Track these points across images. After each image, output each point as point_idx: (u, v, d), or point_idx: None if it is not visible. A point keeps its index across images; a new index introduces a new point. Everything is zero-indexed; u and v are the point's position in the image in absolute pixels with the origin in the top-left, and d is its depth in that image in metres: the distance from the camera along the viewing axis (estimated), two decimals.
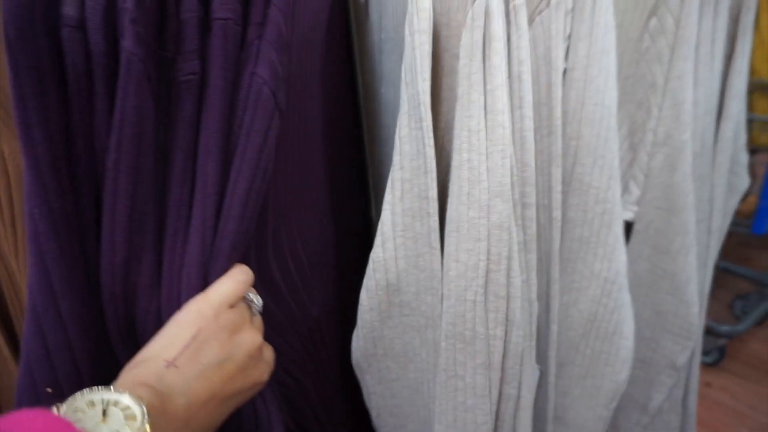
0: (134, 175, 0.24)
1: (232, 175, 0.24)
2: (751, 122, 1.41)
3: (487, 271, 0.33)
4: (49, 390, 0.25)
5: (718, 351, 1.31)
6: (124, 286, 0.25)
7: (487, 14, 0.34)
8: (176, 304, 0.26)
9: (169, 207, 0.25)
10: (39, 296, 0.24)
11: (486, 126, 0.34)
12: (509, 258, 0.33)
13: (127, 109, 0.23)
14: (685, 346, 0.65)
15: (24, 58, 0.21)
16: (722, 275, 1.52)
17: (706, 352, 1.33)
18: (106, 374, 0.25)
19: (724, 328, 1.29)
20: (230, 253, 0.26)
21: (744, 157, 0.75)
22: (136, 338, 0.26)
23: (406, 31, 0.35)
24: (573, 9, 0.46)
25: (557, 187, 0.42)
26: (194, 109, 0.24)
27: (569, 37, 0.48)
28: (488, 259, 0.33)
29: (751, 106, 1.53)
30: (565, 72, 0.47)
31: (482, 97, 0.34)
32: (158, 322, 0.26)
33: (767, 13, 1.54)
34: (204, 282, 0.27)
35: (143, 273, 0.25)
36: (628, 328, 0.45)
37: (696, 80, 0.61)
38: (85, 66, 0.23)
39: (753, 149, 1.48)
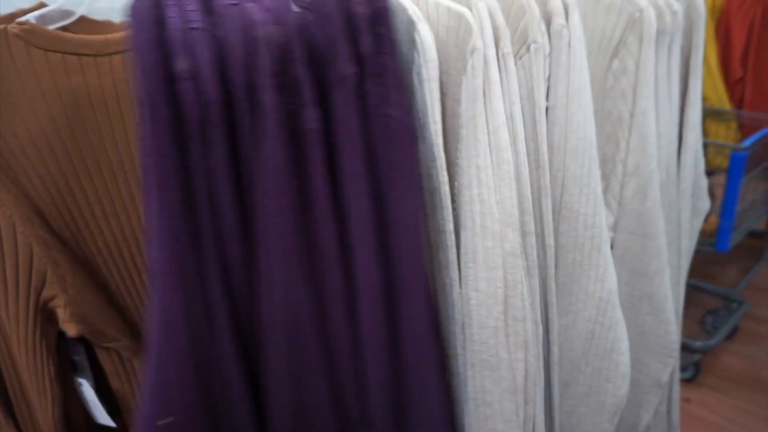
0: (280, 216, 0.26)
1: (390, 206, 0.27)
2: (705, 146, 1.55)
3: (506, 297, 0.37)
4: (165, 421, 0.26)
5: (694, 366, 1.39)
6: (285, 319, 0.27)
7: (485, 63, 0.40)
8: (349, 342, 0.28)
9: (319, 244, 0.28)
10: (158, 333, 0.26)
11: (492, 162, 0.39)
12: (522, 283, 0.38)
13: (270, 157, 0.26)
14: (668, 363, 0.71)
15: (157, 110, 0.24)
16: (691, 292, 1.63)
17: (682, 368, 1.41)
18: (217, 410, 0.26)
19: (698, 344, 1.38)
20: (407, 283, 0.28)
21: (704, 182, 0.84)
22: (293, 363, 0.28)
23: (415, 80, 0.40)
24: (550, 53, 0.54)
25: (548, 216, 0.48)
26: (324, 154, 0.27)
27: (548, 78, 0.55)
28: (505, 285, 0.38)
29: (704, 132, 1.68)
30: (547, 110, 0.53)
31: (486, 137, 0.39)
32: (324, 349, 0.27)
33: (712, 47, 1.73)
34: (387, 313, 0.29)
35: (302, 306, 0.27)
36: (624, 343, 0.50)
37: (658, 115, 0.69)
38: (200, 115, 0.25)
39: (709, 171, 1.63)
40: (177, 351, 0.26)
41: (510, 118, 0.44)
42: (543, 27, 0.52)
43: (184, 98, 0.25)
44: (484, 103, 0.40)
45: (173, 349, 0.26)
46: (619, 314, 0.51)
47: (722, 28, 1.73)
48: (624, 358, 0.51)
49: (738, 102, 1.74)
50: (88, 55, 0.60)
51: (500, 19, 0.43)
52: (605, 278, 0.48)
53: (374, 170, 0.27)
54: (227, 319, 0.28)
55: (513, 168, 0.41)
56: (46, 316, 0.61)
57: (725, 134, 1.70)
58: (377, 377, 0.29)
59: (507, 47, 0.43)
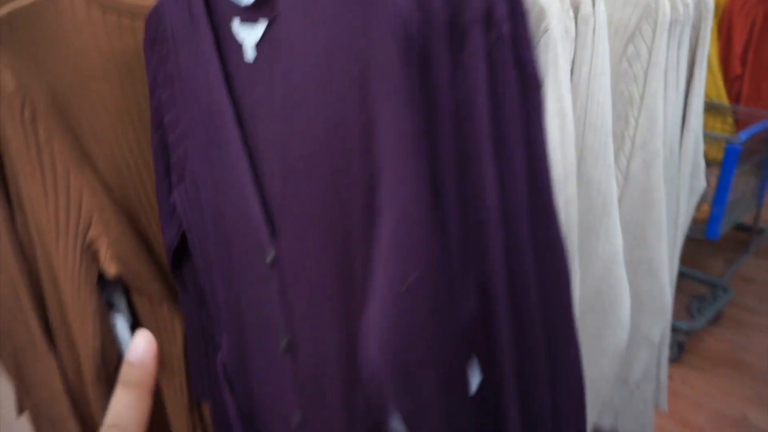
0: (486, 128, 0.33)
1: (532, 137, 0.33)
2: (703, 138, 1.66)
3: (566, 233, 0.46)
4: (410, 281, 0.33)
5: (678, 346, 1.52)
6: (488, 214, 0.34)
7: (554, 40, 0.49)
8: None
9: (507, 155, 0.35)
10: (404, 204, 0.31)
11: (557, 125, 0.47)
12: (576, 224, 0.47)
13: (479, 81, 0.32)
14: (659, 322, 0.81)
15: (385, 31, 0.29)
16: (680, 279, 1.75)
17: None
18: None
19: (683, 325, 1.51)
20: (546, 196, 0.35)
21: (701, 162, 0.94)
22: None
23: None
24: (576, 37, 0.62)
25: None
26: (489, 99, 0.34)
27: (573, 60, 0.63)
28: (566, 223, 0.46)
29: None
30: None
31: (552, 104, 0.48)
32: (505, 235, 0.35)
33: (714, 44, 1.83)
34: (532, 224, 0.35)
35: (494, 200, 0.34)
36: (626, 297, 0.60)
37: (665, 98, 0.78)
38: (416, 43, 0.30)
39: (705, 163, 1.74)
40: (419, 220, 0.32)
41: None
42: (571, 13, 0.60)
43: (402, 25, 0.29)
44: (552, 74, 0.49)
45: (414, 219, 0.32)
46: (623, 272, 0.61)
47: (724, 26, 1.83)
48: (625, 311, 0.61)
49: (735, 98, 1.85)
50: (139, 17, 0.66)
51: (558, 4, 0.51)
52: (614, 241, 0.58)
53: (522, 111, 0.34)
54: (452, 205, 0.35)
55: (574, 128, 0.49)
56: (90, 255, 0.67)
57: (721, 128, 1.82)
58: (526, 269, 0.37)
59: (561, 29, 0.52)
